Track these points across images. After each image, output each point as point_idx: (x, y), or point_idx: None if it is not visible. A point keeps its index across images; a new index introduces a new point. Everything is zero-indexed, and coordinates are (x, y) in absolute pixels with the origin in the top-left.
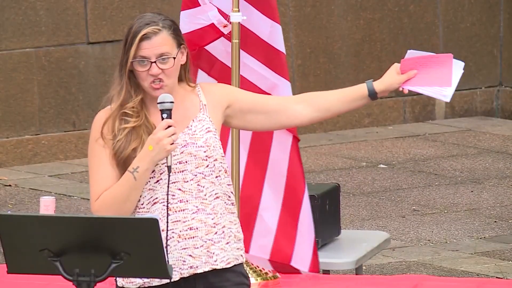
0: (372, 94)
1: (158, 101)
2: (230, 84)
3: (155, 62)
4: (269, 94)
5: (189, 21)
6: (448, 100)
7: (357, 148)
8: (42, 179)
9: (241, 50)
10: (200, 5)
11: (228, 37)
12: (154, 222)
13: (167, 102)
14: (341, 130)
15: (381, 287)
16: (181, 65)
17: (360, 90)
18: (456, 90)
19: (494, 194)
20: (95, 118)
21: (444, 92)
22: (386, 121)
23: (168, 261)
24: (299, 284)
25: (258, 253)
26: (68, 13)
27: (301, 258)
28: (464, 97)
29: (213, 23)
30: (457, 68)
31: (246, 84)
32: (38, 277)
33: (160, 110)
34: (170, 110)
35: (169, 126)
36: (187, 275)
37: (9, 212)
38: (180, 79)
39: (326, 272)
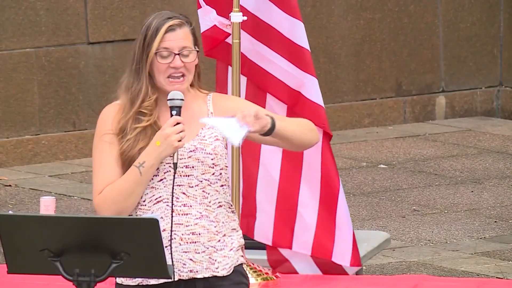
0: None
1: (168, 97)
2: (254, 79)
3: (178, 54)
4: (298, 91)
5: (201, 20)
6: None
7: (357, 148)
8: (42, 179)
9: (266, 48)
10: (201, 7)
11: (257, 36)
12: (154, 223)
13: (177, 99)
14: (341, 130)
15: (381, 287)
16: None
17: None
18: (456, 90)
19: (494, 194)
20: (102, 112)
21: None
22: (386, 121)
23: (167, 261)
24: (299, 284)
25: (300, 249)
26: (68, 13)
27: (341, 253)
28: (464, 97)
29: (215, 25)
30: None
31: (276, 83)
32: (38, 277)
33: (170, 106)
34: (180, 107)
35: (177, 123)
36: (186, 278)
37: (9, 212)
38: (191, 83)
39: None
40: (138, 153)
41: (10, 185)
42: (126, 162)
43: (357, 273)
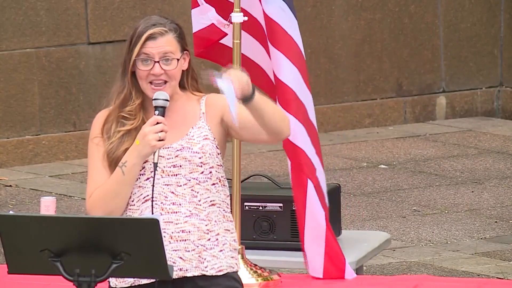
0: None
1: (153, 97)
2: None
3: (158, 62)
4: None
5: (195, 20)
6: (235, 123)
7: (358, 149)
8: (43, 180)
9: (262, 48)
10: (199, 5)
11: (255, 35)
12: (154, 223)
13: (161, 99)
14: (342, 131)
15: (381, 287)
16: (184, 71)
17: None
18: (457, 91)
19: (494, 195)
20: (95, 117)
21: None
22: (387, 121)
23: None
24: (300, 284)
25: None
26: (68, 14)
27: (314, 266)
28: (464, 97)
29: (213, 24)
30: (227, 89)
31: (269, 82)
32: (38, 277)
33: (154, 106)
34: (164, 107)
35: (158, 123)
36: (176, 277)
37: (10, 212)
38: (183, 87)
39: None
40: (123, 154)
41: (10, 186)
42: (112, 163)
43: (357, 273)
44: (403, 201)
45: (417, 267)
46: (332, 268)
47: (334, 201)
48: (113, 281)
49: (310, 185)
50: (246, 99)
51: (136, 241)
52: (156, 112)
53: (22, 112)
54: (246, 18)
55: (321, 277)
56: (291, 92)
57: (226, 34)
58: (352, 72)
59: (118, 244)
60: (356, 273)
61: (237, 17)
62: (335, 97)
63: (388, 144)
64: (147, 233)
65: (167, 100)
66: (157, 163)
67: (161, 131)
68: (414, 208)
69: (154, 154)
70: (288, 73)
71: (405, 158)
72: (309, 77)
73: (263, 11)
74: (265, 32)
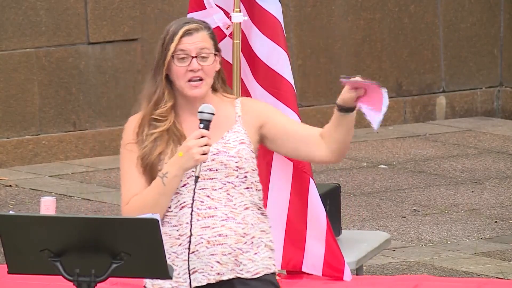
0: (339, 109)
1: (199, 110)
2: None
3: (195, 57)
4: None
5: None
6: (375, 128)
7: (358, 149)
8: (43, 180)
9: (246, 65)
10: (205, 8)
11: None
12: (154, 223)
13: (206, 113)
14: None
15: (381, 287)
16: (215, 72)
17: (335, 110)
18: (456, 90)
19: (494, 195)
20: (126, 122)
21: (375, 118)
22: (387, 121)
23: (188, 265)
24: (299, 284)
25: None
26: (68, 13)
27: (312, 263)
28: (464, 97)
29: (218, 26)
30: (385, 97)
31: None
32: (38, 277)
33: (199, 119)
34: (209, 121)
35: (202, 137)
36: (214, 281)
37: (10, 212)
38: (214, 89)
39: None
40: (158, 158)
41: (10, 185)
42: (147, 167)
43: (357, 273)
44: (403, 201)
45: (417, 267)
46: (331, 269)
47: (334, 201)
48: (149, 286)
49: (312, 185)
50: (352, 109)
51: (136, 241)
52: (201, 125)
53: (22, 112)
54: (246, 18)
55: (320, 275)
56: (294, 91)
57: (225, 36)
58: (352, 72)
59: (118, 244)
60: (356, 273)
61: (237, 17)
62: (335, 97)
63: (388, 144)
64: (147, 233)
65: (212, 113)
66: (198, 176)
67: (205, 145)
68: (414, 208)
69: (196, 168)
70: (289, 71)
71: (405, 158)
72: (309, 77)
73: (263, 9)
74: (245, 34)
